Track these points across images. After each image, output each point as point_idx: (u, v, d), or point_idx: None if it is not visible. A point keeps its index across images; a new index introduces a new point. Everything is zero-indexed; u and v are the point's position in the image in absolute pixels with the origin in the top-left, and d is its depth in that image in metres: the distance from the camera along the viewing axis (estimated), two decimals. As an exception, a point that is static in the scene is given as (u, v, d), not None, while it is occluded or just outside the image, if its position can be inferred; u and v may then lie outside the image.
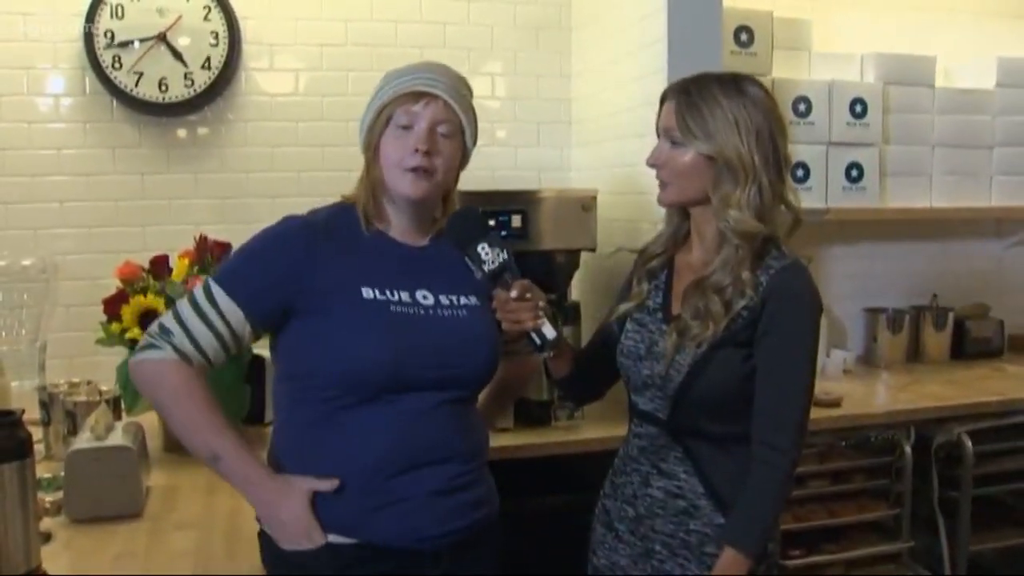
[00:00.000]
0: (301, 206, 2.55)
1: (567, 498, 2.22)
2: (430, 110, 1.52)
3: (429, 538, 1.48)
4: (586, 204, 2.42)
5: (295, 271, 1.49)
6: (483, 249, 1.52)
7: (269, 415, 2.13)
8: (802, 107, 2.92)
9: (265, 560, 1.52)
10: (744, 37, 2.81)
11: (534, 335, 1.54)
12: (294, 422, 1.53)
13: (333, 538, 1.46)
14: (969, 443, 2.64)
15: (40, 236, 2.59)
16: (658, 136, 1.60)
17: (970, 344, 3.34)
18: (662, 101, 1.60)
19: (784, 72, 2.91)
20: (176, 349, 1.46)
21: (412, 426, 1.48)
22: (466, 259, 1.54)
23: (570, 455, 2.30)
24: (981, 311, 3.43)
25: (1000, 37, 3.37)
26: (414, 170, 1.51)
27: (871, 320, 3.29)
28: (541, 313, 1.53)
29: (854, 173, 2.99)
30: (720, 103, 1.50)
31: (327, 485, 1.45)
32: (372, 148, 1.55)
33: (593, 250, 2.46)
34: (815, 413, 2.53)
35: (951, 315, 3.33)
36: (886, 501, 2.65)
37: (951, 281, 3.41)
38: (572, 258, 2.48)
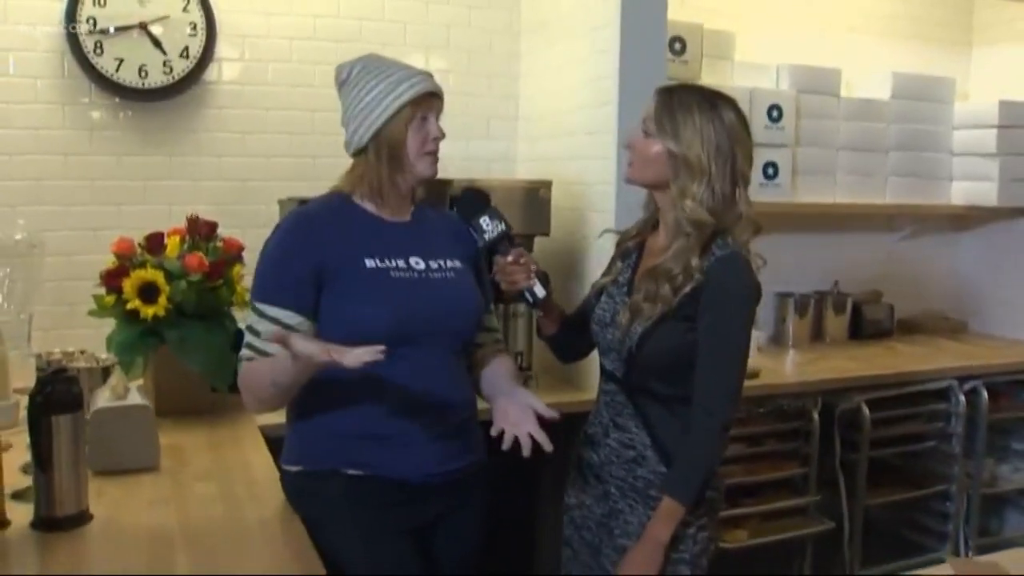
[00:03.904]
0: (269, 189, 2.78)
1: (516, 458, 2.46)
2: (436, 106, 1.82)
3: (433, 474, 1.74)
4: (542, 193, 2.68)
5: (315, 258, 1.72)
6: (484, 221, 1.85)
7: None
8: (727, 111, 3.23)
9: (290, 497, 1.75)
10: (678, 47, 3.11)
11: (527, 294, 1.88)
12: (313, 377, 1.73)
13: (351, 471, 1.70)
14: (867, 410, 3.02)
15: (18, 213, 2.68)
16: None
17: (865, 326, 3.75)
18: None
19: (711, 79, 3.21)
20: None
21: (413, 377, 1.71)
22: (470, 229, 1.85)
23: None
24: (875, 297, 3.85)
25: (894, 55, 3.77)
26: (432, 154, 1.79)
27: (780, 304, 3.65)
28: (533, 275, 1.84)
29: (770, 171, 3.33)
30: (693, 115, 1.76)
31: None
32: (390, 138, 1.75)
33: (547, 234, 2.72)
34: (735, 385, 2.89)
35: (850, 300, 3.74)
36: (796, 461, 2.99)
37: (850, 269, 3.80)
38: (527, 242, 2.72)
